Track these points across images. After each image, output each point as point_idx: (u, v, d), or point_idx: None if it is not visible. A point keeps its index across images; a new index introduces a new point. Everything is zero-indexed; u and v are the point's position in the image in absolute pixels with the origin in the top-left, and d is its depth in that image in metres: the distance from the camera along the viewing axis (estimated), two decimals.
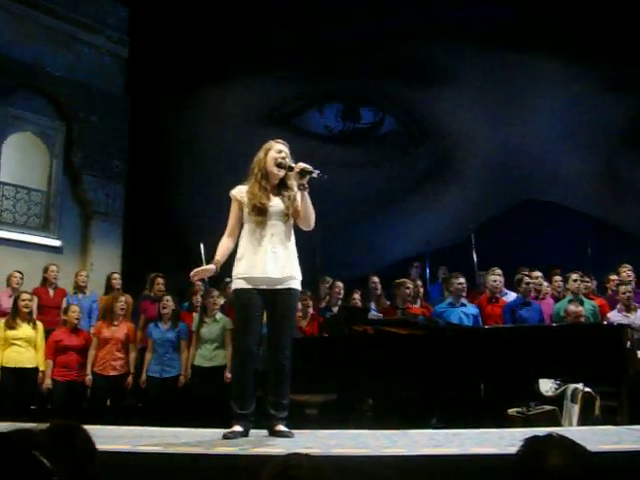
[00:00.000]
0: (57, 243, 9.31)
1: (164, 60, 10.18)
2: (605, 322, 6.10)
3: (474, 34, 9.93)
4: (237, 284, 3.79)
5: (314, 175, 3.77)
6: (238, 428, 3.64)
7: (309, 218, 3.85)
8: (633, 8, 9.33)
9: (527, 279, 6.68)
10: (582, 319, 5.96)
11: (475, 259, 8.29)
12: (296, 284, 3.84)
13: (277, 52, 10.12)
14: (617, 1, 9.65)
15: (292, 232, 3.88)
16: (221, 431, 3.69)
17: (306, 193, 3.80)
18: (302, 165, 3.78)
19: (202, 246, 7.86)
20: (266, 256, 3.73)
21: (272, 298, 3.77)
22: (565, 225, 9.42)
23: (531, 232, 9.40)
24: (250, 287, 3.74)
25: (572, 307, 6.07)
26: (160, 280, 7.33)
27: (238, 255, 3.83)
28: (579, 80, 9.94)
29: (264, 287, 3.74)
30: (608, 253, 8.04)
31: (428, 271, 8.55)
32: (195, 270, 3.89)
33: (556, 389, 5.59)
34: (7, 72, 8.90)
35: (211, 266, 3.85)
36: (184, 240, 9.53)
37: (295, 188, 3.86)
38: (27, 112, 9.19)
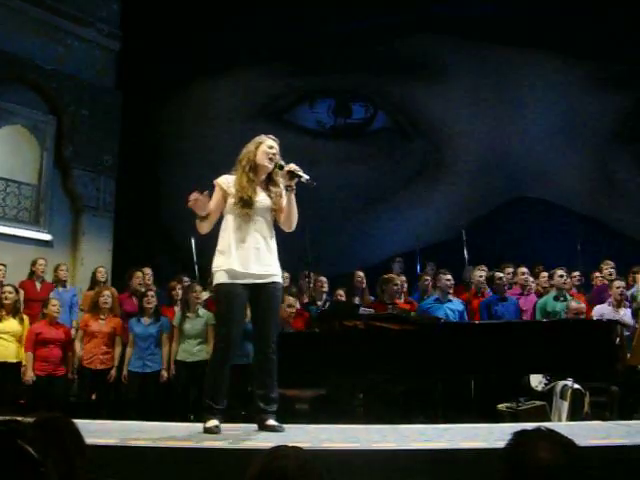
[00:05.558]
0: (47, 237, 9.26)
1: (156, 54, 10.13)
2: (596, 317, 6.13)
3: (467, 30, 9.94)
4: (220, 278, 3.73)
5: (302, 180, 3.75)
6: (216, 422, 3.64)
7: (292, 220, 3.82)
8: (627, 6, 9.36)
9: (499, 274, 6.79)
10: (583, 316, 5.99)
11: (466, 255, 8.31)
12: (279, 279, 3.83)
13: (269, 47, 10.10)
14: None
15: (273, 228, 3.85)
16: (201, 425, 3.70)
17: (292, 195, 3.77)
18: (293, 167, 3.77)
19: (193, 241, 7.86)
20: (249, 252, 3.70)
21: (256, 293, 3.74)
22: (555, 222, 9.45)
23: (522, 229, 9.43)
24: (233, 281, 3.70)
25: (574, 303, 6.11)
26: (139, 274, 7.30)
27: (220, 247, 3.78)
28: (571, 77, 9.97)
29: (248, 281, 3.71)
30: (598, 250, 8.07)
31: (419, 267, 8.57)
32: (198, 196, 3.65)
33: (545, 384, 5.63)
34: None
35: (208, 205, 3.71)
36: (175, 234, 9.50)
37: (281, 185, 3.83)
38: (17, 105, 9.11)
